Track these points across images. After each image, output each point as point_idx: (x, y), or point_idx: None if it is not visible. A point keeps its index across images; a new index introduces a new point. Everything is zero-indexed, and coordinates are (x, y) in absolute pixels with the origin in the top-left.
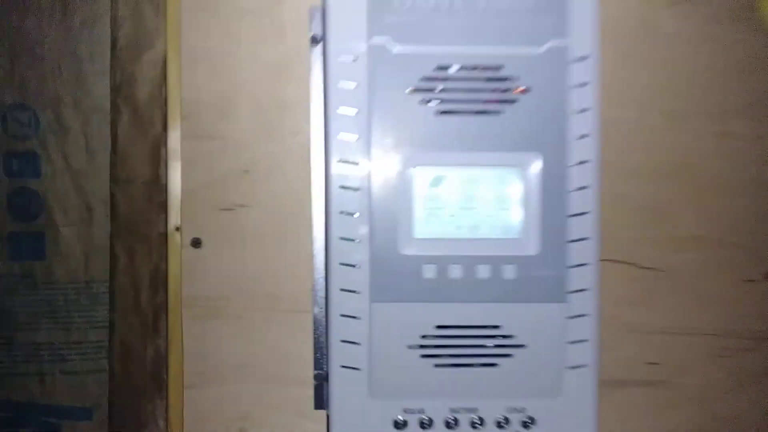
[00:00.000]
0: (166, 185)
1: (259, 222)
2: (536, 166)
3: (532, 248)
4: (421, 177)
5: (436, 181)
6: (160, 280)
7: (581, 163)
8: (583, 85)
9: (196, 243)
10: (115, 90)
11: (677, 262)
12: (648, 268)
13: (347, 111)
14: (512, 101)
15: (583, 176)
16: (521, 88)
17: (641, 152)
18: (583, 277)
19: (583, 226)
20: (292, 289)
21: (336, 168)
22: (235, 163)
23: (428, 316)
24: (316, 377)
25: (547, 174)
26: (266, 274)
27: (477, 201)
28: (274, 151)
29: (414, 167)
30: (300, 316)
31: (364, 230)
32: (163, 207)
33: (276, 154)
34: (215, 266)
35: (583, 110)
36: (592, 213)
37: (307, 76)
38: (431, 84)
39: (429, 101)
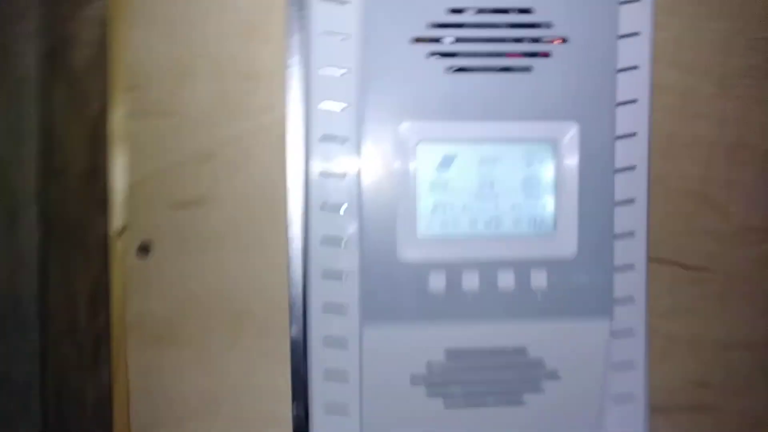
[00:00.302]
0: (106, 177)
1: (223, 222)
2: (572, 138)
3: (568, 248)
4: (427, 157)
5: (446, 162)
6: (101, 298)
7: (628, 135)
8: (632, 35)
9: (145, 249)
10: (46, 56)
11: (731, 260)
12: (695, 268)
13: (332, 71)
14: (544, 55)
15: (629, 153)
16: (556, 39)
17: (687, 125)
18: (630, 283)
19: (631, 218)
20: (263, 306)
21: (317, 148)
22: (193, 148)
23: (436, 340)
24: (294, 420)
25: (586, 149)
26: (232, 288)
27: (498, 187)
28: (243, 131)
29: (417, 144)
30: (273, 341)
31: (352, 229)
32: (104, 205)
33: (245, 136)
34: (169, 279)
35: (631, 68)
36: (639, 200)
37: (282, 35)
38: (441, 32)
39: (438, 55)
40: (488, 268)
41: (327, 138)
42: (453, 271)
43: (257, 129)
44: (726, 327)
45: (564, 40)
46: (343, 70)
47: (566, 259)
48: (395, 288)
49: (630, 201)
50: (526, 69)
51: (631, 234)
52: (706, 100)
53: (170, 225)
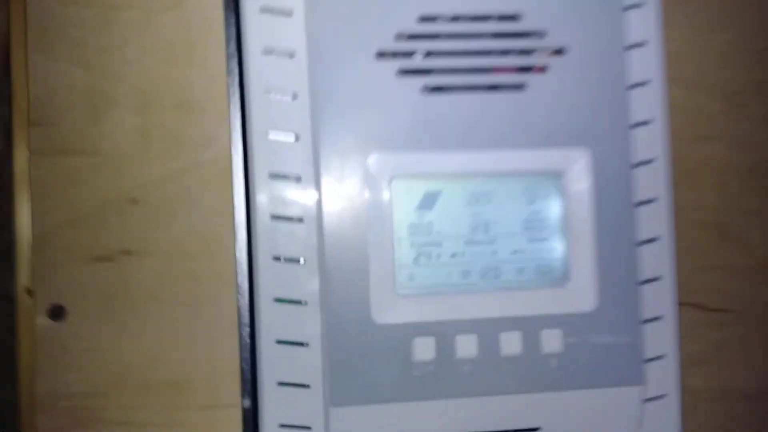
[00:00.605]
0: (10, 226)
1: (154, 277)
2: (582, 168)
3: (585, 300)
4: (404, 195)
5: (428, 201)
6: (5, 369)
7: (644, 162)
8: (639, 45)
9: (57, 312)
10: None
11: (753, 299)
12: (715, 310)
13: (281, 96)
14: (539, 70)
15: (648, 182)
16: (551, 50)
17: (694, 148)
18: (660, 337)
19: (655, 259)
20: (206, 378)
21: (266, 187)
22: (115, 191)
23: (425, 425)
24: None
25: (599, 180)
26: (167, 357)
27: (495, 230)
28: (175, 170)
29: (391, 180)
30: (219, 421)
31: (313, 286)
32: (8, 258)
33: (178, 175)
34: (88, 345)
35: (641, 83)
36: (664, 238)
37: (218, 57)
38: (411, 45)
39: (409, 73)
40: (488, 330)
41: (278, 175)
42: (444, 334)
43: (193, 167)
44: (755, 377)
45: (560, 52)
46: (291, 93)
47: (584, 313)
48: (371, 359)
49: (653, 239)
50: (518, 87)
51: (656, 278)
52: (714, 120)
53: (89, 282)
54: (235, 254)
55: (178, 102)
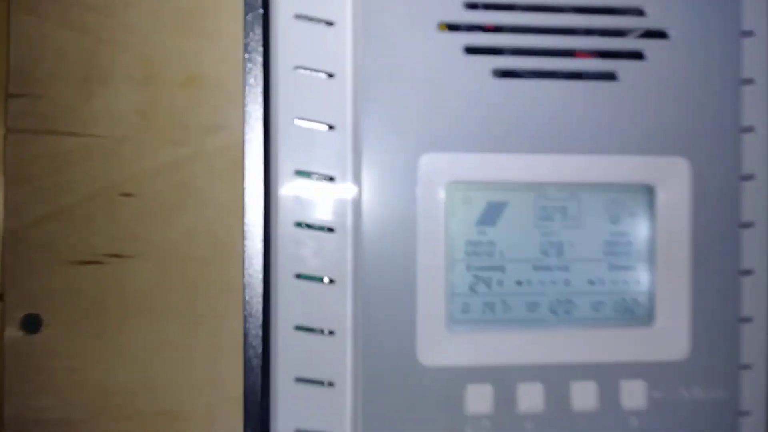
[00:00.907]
0: None
1: (148, 285)
2: (680, 181)
3: (676, 343)
4: (462, 206)
5: (491, 215)
6: None
7: (748, 177)
8: (748, 34)
9: (31, 323)
10: None
11: None
12: None
13: (313, 73)
14: (635, 56)
15: (753, 201)
16: (649, 32)
17: None
18: (758, 387)
19: (754, 293)
20: (206, 408)
21: (290, 187)
22: (107, 180)
23: None
24: None
25: (699, 197)
26: (159, 379)
27: (570, 254)
28: (179, 159)
29: (447, 186)
30: None
31: (344, 313)
32: None
33: (183, 165)
34: (66, 363)
35: (748, 81)
36: (763, 268)
37: (236, 26)
38: (483, 15)
39: (478, 51)
40: (557, 378)
41: (306, 173)
42: (503, 382)
43: (200, 156)
44: None
45: (661, 35)
46: (326, 72)
47: (673, 361)
48: (413, 408)
49: (750, 271)
50: (607, 76)
51: (751, 318)
52: None
53: (70, 288)
54: (244, 264)
55: (185, 78)
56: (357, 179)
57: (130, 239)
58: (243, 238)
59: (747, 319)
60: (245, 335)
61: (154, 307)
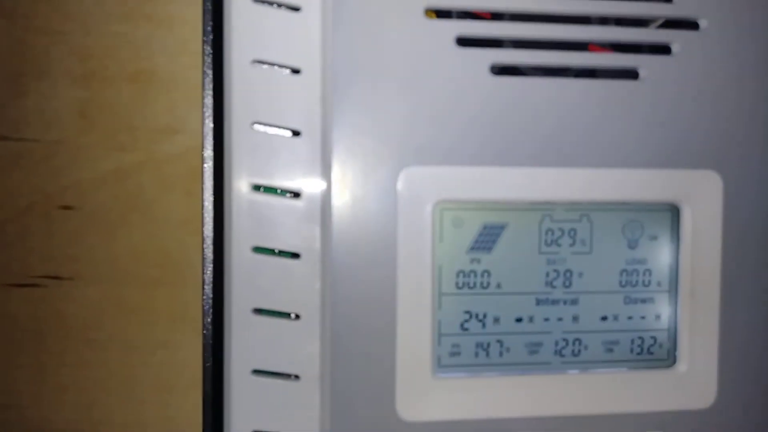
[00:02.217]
0: None
1: (92, 310)
2: (710, 200)
3: (701, 389)
4: (453, 229)
5: (487, 239)
6: None
7: None
8: None
9: None
10: None
11: None
12: None
13: (275, 69)
14: (661, 50)
15: None
16: (677, 22)
17: None
18: None
19: None
20: None
21: (245, 204)
22: (44, 191)
23: None
24: None
25: (732, 219)
26: (102, 419)
27: (578, 284)
28: (128, 165)
29: (435, 206)
30: None
31: (311, 354)
32: None
33: (131, 173)
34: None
35: None
36: None
37: (196, 9)
38: (478, 2)
39: (471, 43)
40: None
41: (265, 187)
42: None
43: (150, 163)
44: None
45: (691, 26)
46: (291, 69)
47: (698, 410)
48: None
49: None
50: (626, 74)
51: None
52: None
53: (1, 315)
54: (203, 287)
55: (133, 72)
56: (327, 196)
57: (70, 259)
58: (202, 258)
59: None
60: (205, 369)
61: (99, 337)
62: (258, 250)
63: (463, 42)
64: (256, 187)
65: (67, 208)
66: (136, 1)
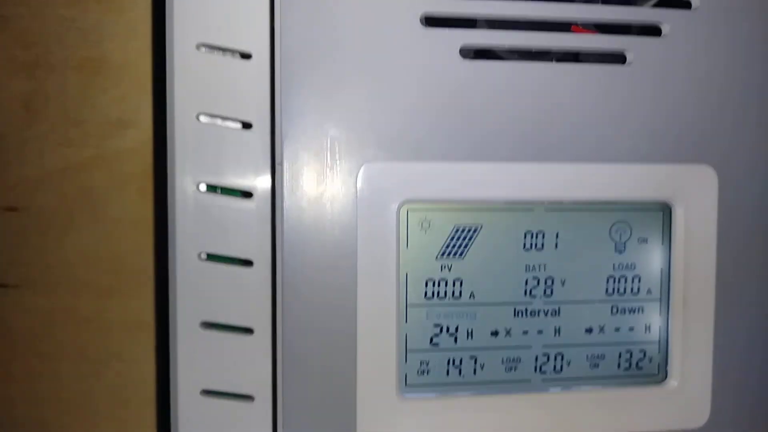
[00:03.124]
0: None
1: (38, 321)
2: (704, 198)
3: (694, 407)
4: (420, 233)
5: (459, 243)
6: None
7: None
8: None
9: None
10: None
11: None
12: None
13: (222, 54)
14: (650, 32)
15: None
16: (670, 1)
17: None
18: None
19: None
20: None
21: (191, 205)
22: None
23: None
24: None
25: (729, 217)
26: None
27: (560, 293)
28: (76, 162)
29: (400, 207)
30: None
31: (264, 372)
32: None
33: (79, 171)
34: None
35: None
36: None
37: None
38: None
39: (440, 23)
40: None
41: (213, 187)
42: None
43: (102, 159)
44: None
45: (684, 5)
46: (241, 53)
47: (690, 429)
48: None
49: None
50: (613, 58)
51: None
52: None
53: None
54: (156, 296)
55: (82, 60)
56: (280, 196)
57: (15, 264)
58: (151, 266)
59: None
60: (158, 382)
61: (50, 348)
62: (208, 257)
63: (431, 21)
64: (204, 187)
65: (10, 209)
66: None
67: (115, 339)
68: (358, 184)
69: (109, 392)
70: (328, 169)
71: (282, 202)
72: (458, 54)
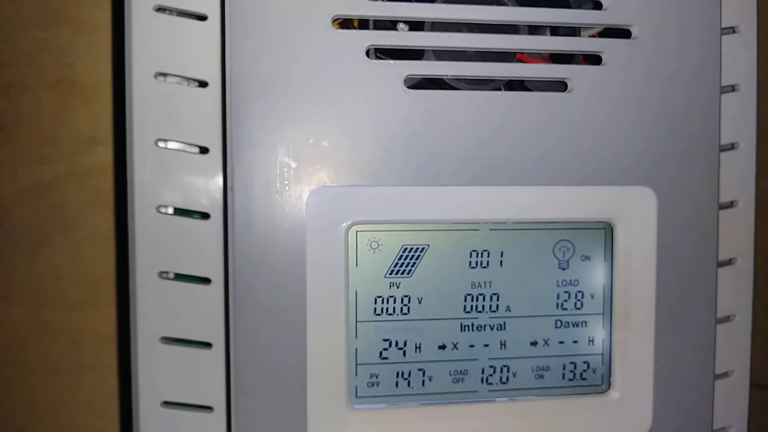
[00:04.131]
0: None
1: (12, 333)
2: (645, 217)
3: (637, 416)
4: (369, 253)
5: (406, 262)
6: None
7: (729, 205)
8: (729, 31)
9: None
10: None
11: None
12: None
13: (179, 82)
14: (591, 61)
15: (732, 234)
16: (610, 30)
17: None
18: None
19: (733, 344)
20: None
21: (150, 225)
22: None
23: None
24: None
25: (668, 236)
26: None
27: (507, 308)
28: (47, 180)
29: (349, 229)
30: None
31: (218, 385)
32: None
33: (50, 188)
34: None
35: (729, 88)
36: (743, 312)
37: (107, 16)
38: (393, 7)
39: (384, 54)
40: None
41: (175, 209)
42: None
43: (73, 177)
44: None
45: (624, 34)
46: (195, 81)
47: None
48: None
49: (730, 317)
50: (555, 86)
51: (729, 372)
52: None
53: None
54: (116, 308)
55: (54, 80)
56: (231, 220)
57: None
58: (112, 292)
59: (724, 375)
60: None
61: (23, 358)
62: (164, 276)
63: (375, 54)
64: (164, 208)
65: None
66: (58, 4)
67: (88, 350)
68: (308, 208)
69: (82, 402)
70: (277, 195)
71: (233, 226)
72: (402, 84)
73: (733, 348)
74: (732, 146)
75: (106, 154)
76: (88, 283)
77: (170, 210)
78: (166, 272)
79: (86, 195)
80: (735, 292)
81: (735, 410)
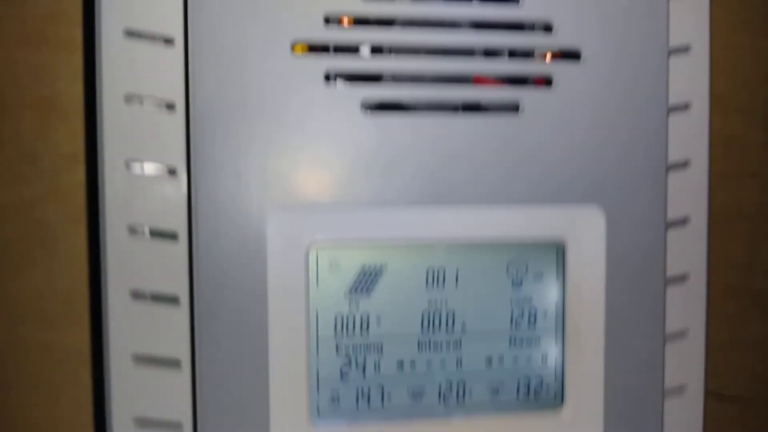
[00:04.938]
0: None
1: None
2: (594, 236)
3: (588, 428)
4: (329, 273)
5: (365, 281)
6: None
7: (678, 223)
8: (681, 50)
9: None
10: None
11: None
12: (734, 400)
13: (148, 105)
14: (541, 82)
15: (682, 251)
16: (559, 53)
17: (727, 190)
18: None
19: (684, 357)
20: None
21: (121, 245)
22: None
23: None
24: None
25: (617, 254)
26: None
27: (462, 326)
28: (27, 198)
29: (309, 249)
30: None
31: (186, 401)
32: None
33: (30, 206)
34: None
35: (681, 107)
36: (695, 327)
37: (79, 34)
38: (351, 33)
39: (345, 78)
40: None
41: (149, 230)
42: None
43: (54, 195)
44: None
45: (572, 56)
46: (166, 104)
47: None
48: None
49: (683, 333)
50: (507, 108)
51: (682, 386)
52: (753, 152)
53: None
54: (91, 331)
55: (36, 99)
56: (196, 241)
57: None
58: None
59: (675, 391)
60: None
61: (2, 377)
62: (136, 295)
63: (333, 77)
64: (132, 229)
65: None
66: (39, 23)
67: (69, 371)
68: (269, 228)
69: (67, 420)
70: (239, 216)
71: (198, 246)
72: (359, 107)
73: (685, 363)
74: (684, 164)
75: (81, 173)
76: (67, 301)
77: (146, 229)
78: (137, 291)
79: (68, 212)
80: (687, 307)
81: (689, 424)
